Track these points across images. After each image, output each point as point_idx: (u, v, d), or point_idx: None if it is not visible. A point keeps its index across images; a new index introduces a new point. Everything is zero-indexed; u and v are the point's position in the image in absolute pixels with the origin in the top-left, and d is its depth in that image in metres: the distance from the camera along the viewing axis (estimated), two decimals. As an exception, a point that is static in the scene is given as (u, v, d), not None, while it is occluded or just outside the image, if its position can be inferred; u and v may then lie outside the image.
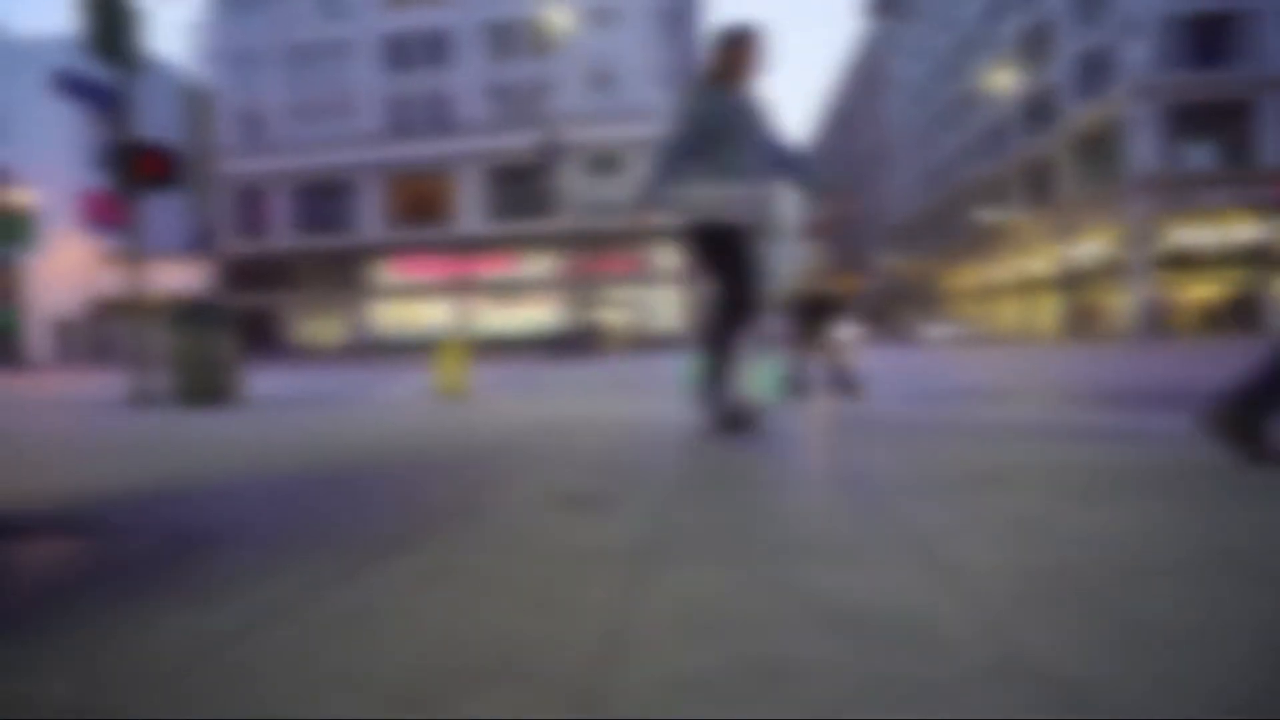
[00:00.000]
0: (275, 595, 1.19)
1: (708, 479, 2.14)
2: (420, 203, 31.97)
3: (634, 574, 1.27)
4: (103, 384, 9.88)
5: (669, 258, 29.23)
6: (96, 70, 6.21)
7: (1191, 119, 24.95)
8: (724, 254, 3.05)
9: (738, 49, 3.08)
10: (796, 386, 4.96)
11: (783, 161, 3.27)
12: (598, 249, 28.72)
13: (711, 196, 3.04)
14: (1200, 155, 25.13)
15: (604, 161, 29.87)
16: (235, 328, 5.94)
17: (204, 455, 2.84)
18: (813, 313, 5.15)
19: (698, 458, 2.51)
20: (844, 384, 5.00)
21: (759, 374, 3.04)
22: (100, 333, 31.50)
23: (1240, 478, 1.92)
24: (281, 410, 4.98)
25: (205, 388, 5.62)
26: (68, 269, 31.17)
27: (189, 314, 5.71)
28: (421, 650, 0.97)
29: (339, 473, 2.37)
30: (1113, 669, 0.86)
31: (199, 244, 30.27)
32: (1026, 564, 1.26)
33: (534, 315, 29.80)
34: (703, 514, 1.69)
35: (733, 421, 3.03)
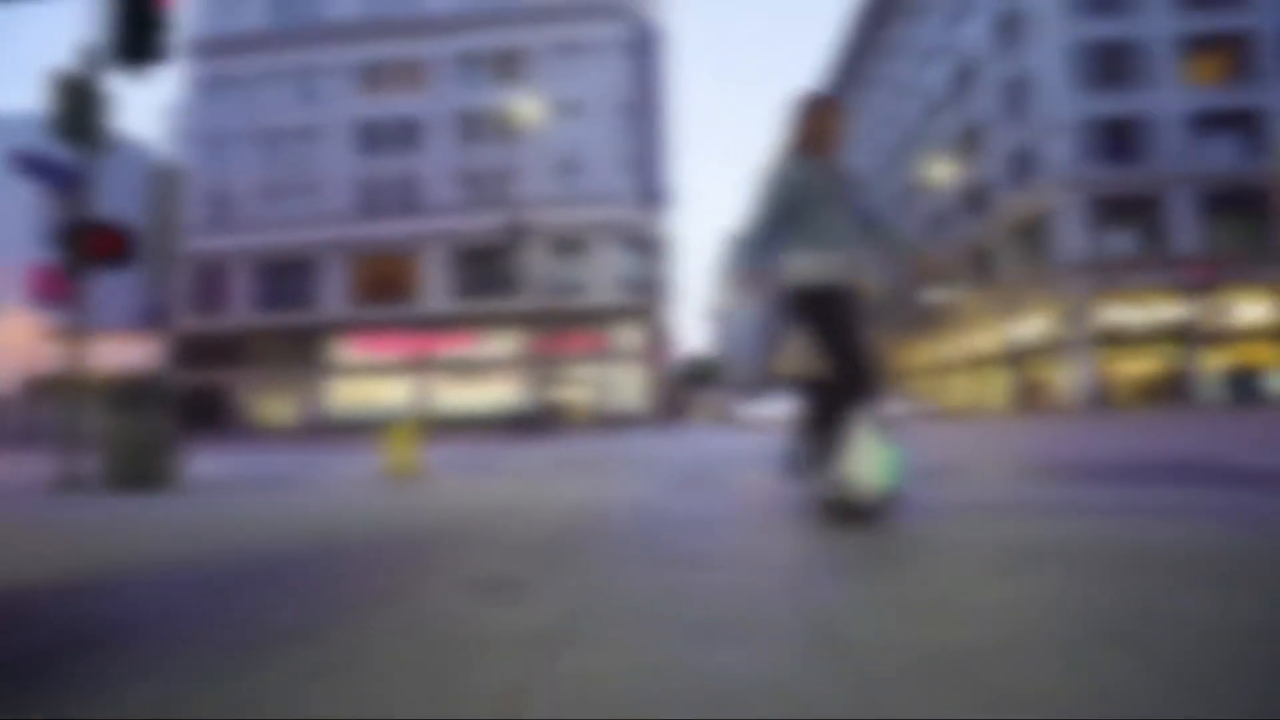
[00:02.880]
0: (162, 690, 1.17)
1: (629, 560, 2.16)
2: (385, 281, 32.11)
3: (536, 658, 1.27)
4: (27, 468, 9.37)
5: (630, 337, 29.68)
6: (58, 150, 6.32)
7: (1112, 209, 27.11)
8: (824, 321, 2.88)
9: (821, 116, 3.01)
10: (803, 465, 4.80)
11: (869, 226, 3.18)
12: (559, 328, 29.05)
13: (807, 262, 2.92)
14: (1122, 241, 27.14)
15: (567, 244, 30.70)
16: (175, 408, 5.79)
17: (121, 545, 2.73)
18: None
19: (634, 540, 2.53)
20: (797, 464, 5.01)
21: (878, 456, 2.59)
22: (33, 412, 30.01)
23: (1159, 554, 2.03)
24: (218, 495, 4.81)
25: (138, 472, 5.40)
26: (7, 345, 29.99)
27: (126, 394, 5.55)
28: (300, 745, 0.96)
29: (260, 561, 2.31)
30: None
31: (151, 320, 29.65)
32: (919, 640, 1.32)
33: (494, 394, 29.59)
34: (612, 597, 1.71)
35: (836, 508, 2.73)
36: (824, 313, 2.86)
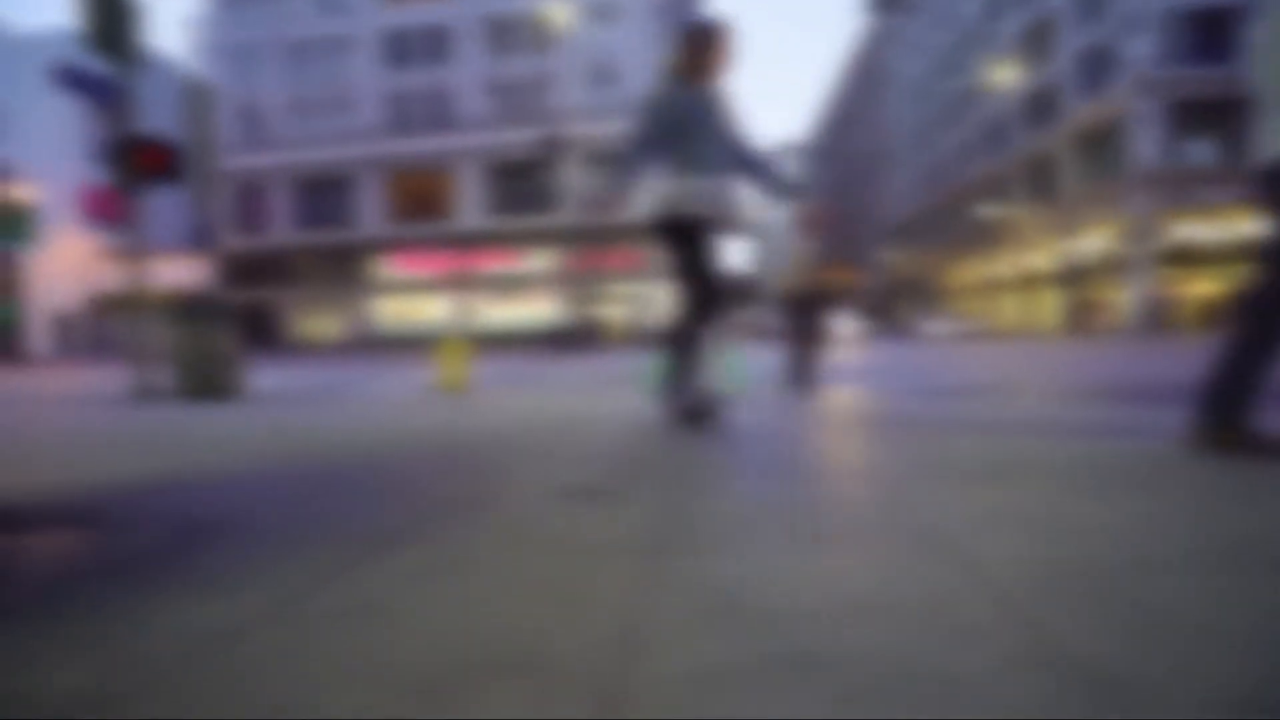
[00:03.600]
0: (281, 587, 1.18)
1: (711, 470, 2.13)
2: (420, 198, 31.91)
3: (649, 565, 1.25)
4: (103, 379, 9.87)
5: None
6: (97, 64, 6.18)
7: (1193, 115, 24.89)
8: (686, 248, 3.07)
9: (704, 45, 3.08)
10: (798, 380, 5.00)
11: (745, 162, 3.26)
12: (598, 244, 28.69)
13: (674, 190, 3.06)
14: (1202, 151, 25.08)
15: (604, 156, 29.82)
16: (236, 323, 5.93)
17: (208, 450, 2.83)
18: (807, 307, 5.21)
19: (697, 449, 2.50)
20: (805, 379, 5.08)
21: (723, 366, 3.19)
22: (99, 328, 31.47)
23: (1228, 471, 1.91)
24: (283, 406, 4.97)
25: (207, 383, 5.60)
26: (68, 264, 31.12)
27: (190, 310, 5.69)
28: (433, 642, 0.96)
29: (343, 467, 2.36)
30: (1125, 657, 0.85)
31: (200, 240, 30.27)
32: (1045, 556, 1.25)
33: (534, 310, 29.78)
34: (708, 505, 1.68)
35: (693, 414, 3.07)
36: (684, 240, 3.06)
